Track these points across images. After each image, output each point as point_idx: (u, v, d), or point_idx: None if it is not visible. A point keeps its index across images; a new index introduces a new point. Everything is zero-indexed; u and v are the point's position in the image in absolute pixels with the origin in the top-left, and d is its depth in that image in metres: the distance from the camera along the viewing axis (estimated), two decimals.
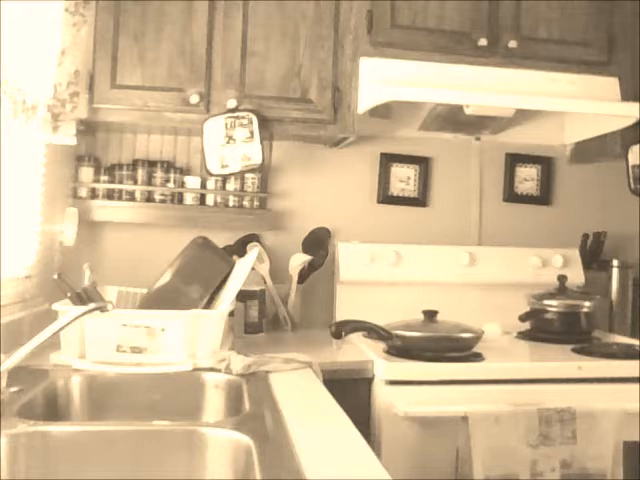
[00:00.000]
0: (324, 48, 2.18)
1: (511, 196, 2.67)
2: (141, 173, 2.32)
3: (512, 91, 2.15)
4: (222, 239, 2.27)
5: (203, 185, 2.35)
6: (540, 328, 2.27)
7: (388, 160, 2.57)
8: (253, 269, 2.10)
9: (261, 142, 2.12)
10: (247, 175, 2.34)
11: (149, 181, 2.32)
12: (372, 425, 1.79)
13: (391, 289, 2.39)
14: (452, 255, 2.44)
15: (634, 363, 1.87)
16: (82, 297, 1.67)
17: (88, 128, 2.21)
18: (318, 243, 2.45)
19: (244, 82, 2.13)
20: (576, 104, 2.17)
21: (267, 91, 2.15)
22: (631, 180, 2.42)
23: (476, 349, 1.94)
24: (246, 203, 2.38)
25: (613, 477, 1.72)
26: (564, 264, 2.47)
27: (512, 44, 2.21)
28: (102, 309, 1.45)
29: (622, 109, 2.18)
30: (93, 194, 2.28)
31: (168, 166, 2.34)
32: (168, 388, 1.57)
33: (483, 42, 2.19)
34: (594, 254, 2.60)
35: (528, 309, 2.30)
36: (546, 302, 2.27)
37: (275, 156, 2.46)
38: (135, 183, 2.31)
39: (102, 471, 1.16)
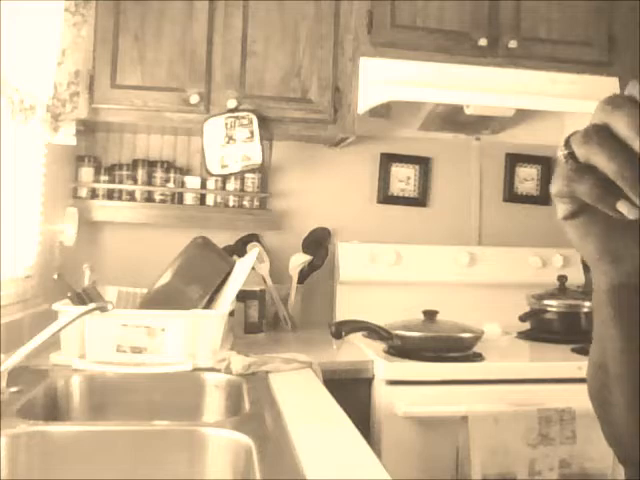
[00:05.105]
0: (324, 48, 2.17)
1: (511, 196, 2.66)
2: (141, 173, 2.31)
3: (512, 91, 2.15)
4: (222, 239, 2.27)
5: (203, 185, 2.35)
6: (540, 328, 2.27)
7: (388, 160, 2.57)
8: (253, 269, 2.10)
9: (261, 142, 2.12)
10: (247, 175, 2.34)
11: (149, 181, 2.32)
12: (372, 425, 1.79)
13: (391, 289, 2.39)
14: (452, 255, 2.44)
15: None
16: (82, 297, 1.67)
17: (88, 128, 2.21)
18: (318, 243, 2.45)
19: (244, 82, 2.13)
20: (576, 104, 2.17)
21: (267, 91, 2.15)
22: None
23: (476, 349, 1.94)
24: (246, 203, 2.38)
25: (614, 477, 1.72)
26: (564, 264, 2.47)
27: (512, 44, 2.20)
28: (102, 309, 1.46)
29: None
30: (93, 194, 2.28)
31: (168, 166, 2.34)
32: (168, 388, 1.57)
33: (483, 42, 2.19)
34: None
35: (528, 309, 2.29)
36: (546, 302, 2.27)
37: (275, 156, 2.46)
38: (135, 183, 2.31)
39: (102, 471, 1.16)
